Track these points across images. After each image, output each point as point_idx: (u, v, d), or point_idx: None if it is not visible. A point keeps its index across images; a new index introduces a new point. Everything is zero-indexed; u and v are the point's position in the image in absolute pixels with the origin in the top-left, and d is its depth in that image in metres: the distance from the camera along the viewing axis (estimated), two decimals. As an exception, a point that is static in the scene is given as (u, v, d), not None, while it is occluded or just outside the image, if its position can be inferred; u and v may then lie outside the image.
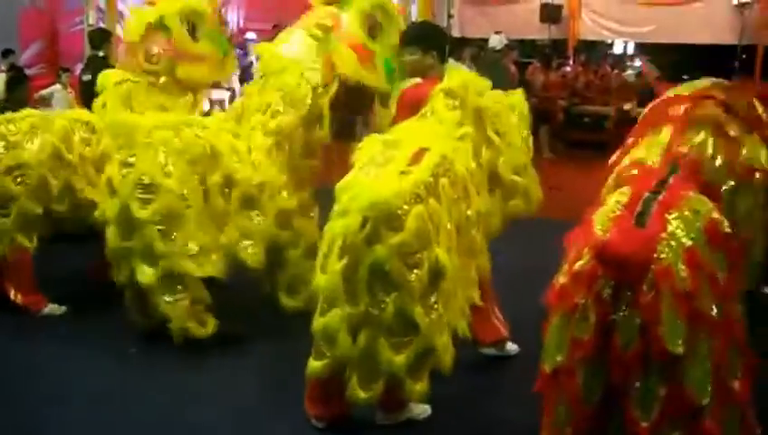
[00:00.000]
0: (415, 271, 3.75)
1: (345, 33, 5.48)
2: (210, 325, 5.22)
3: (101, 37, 9.28)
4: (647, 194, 3.26)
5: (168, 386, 4.73)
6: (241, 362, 5.05)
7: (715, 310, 2.99)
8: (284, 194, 5.50)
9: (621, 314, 2.99)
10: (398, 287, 3.74)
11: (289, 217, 5.53)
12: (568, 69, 16.76)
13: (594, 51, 18.73)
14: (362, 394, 3.87)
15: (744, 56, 19.12)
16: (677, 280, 2.94)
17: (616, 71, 17.28)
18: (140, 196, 5.05)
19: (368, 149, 4.18)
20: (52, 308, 5.78)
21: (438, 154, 3.99)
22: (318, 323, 3.96)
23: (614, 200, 3.34)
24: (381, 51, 5.52)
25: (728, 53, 19.64)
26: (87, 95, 8.92)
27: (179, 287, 5.13)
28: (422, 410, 4.24)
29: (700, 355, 2.95)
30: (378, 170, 3.94)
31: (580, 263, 3.13)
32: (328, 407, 4.12)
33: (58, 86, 9.67)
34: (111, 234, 5.15)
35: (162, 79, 6.21)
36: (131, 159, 5.11)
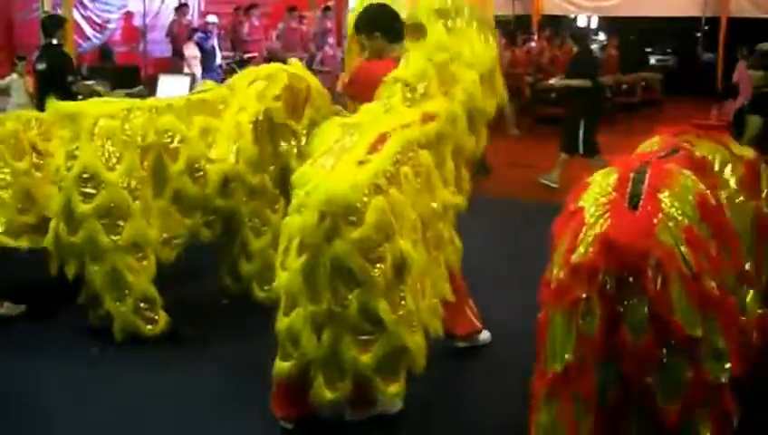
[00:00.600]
0: (378, 265, 3.58)
1: None
2: (161, 323, 5.10)
3: (54, 23, 9.00)
4: (633, 175, 3.17)
5: (128, 386, 4.59)
6: (201, 360, 4.90)
7: (713, 285, 2.94)
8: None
9: (627, 304, 2.87)
10: (360, 283, 3.58)
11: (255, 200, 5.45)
12: (533, 45, 16.71)
13: (558, 26, 18.67)
14: (328, 394, 3.73)
15: (706, 28, 19.22)
16: (682, 263, 2.87)
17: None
18: (83, 190, 4.93)
19: (327, 134, 4.04)
20: (9, 308, 5.60)
21: (400, 140, 3.84)
22: (282, 323, 3.83)
23: (601, 182, 3.23)
24: None
25: (692, 25, 19.73)
26: (42, 85, 8.73)
27: (125, 284, 5.02)
28: (392, 404, 4.10)
29: (713, 334, 2.90)
30: (335, 161, 3.77)
31: (578, 255, 2.99)
32: (296, 407, 3.97)
33: (14, 75, 9.40)
34: (57, 228, 5.04)
35: None
36: (76, 152, 4.99)
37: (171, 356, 4.94)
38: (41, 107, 7.47)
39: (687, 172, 3.21)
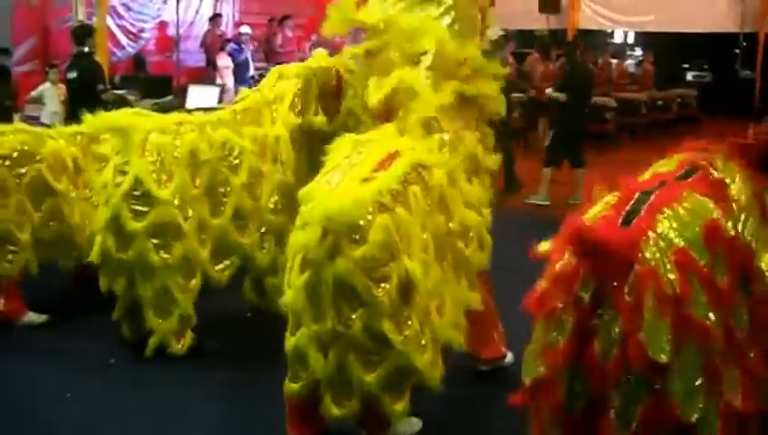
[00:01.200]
0: (382, 285, 3.48)
1: None
2: (188, 340, 5.04)
3: (84, 32, 9.05)
4: (638, 194, 3.05)
5: (145, 399, 4.56)
6: (222, 375, 4.86)
7: (712, 317, 2.77)
8: None
9: (601, 319, 2.78)
10: (364, 303, 3.48)
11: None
12: (566, 59, 16.55)
13: (594, 41, 18.49)
14: (336, 411, 3.66)
15: (744, 44, 18.94)
16: (664, 282, 2.72)
17: (616, 60, 17.07)
18: (134, 206, 4.84)
19: (338, 150, 3.95)
20: (32, 317, 5.58)
21: (410, 159, 3.75)
22: (289, 342, 3.77)
23: (604, 201, 3.14)
24: None
25: (730, 41, 19.46)
26: (73, 93, 8.78)
27: (172, 302, 4.95)
28: (411, 424, 4.01)
29: (688, 366, 2.72)
30: (341, 177, 3.69)
31: (561, 263, 2.93)
32: (308, 426, 3.90)
33: (47, 84, 9.47)
34: (105, 244, 4.96)
35: None
36: (126, 167, 4.88)
37: (191, 370, 4.90)
38: (73, 115, 7.52)
39: (702, 198, 3.05)
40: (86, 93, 8.32)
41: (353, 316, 3.50)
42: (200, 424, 4.31)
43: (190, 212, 4.93)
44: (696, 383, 2.74)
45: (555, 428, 2.94)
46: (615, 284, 2.76)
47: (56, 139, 5.66)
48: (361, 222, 3.45)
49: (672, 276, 2.74)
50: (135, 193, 4.83)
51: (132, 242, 4.85)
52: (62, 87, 9.40)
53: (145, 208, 4.82)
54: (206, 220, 5.01)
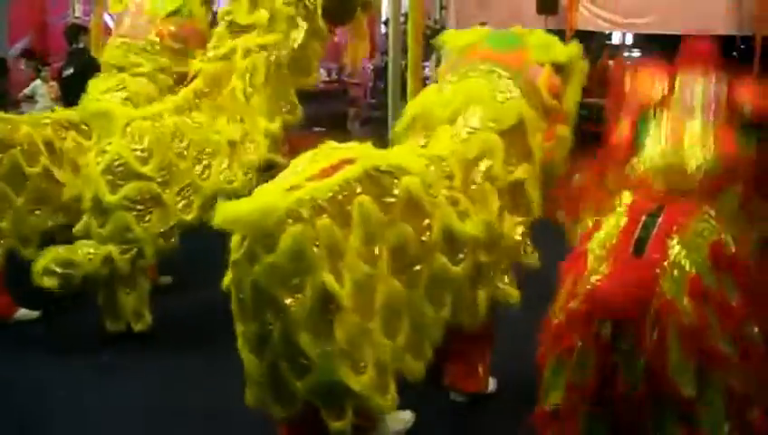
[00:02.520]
0: (296, 295, 3.29)
1: None
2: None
3: (76, 31, 9.06)
4: (645, 218, 3.05)
5: (145, 396, 4.57)
6: (222, 370, 4.77)
7: (729, 344, 2.78)
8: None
9: (623, 355, 2.75)
10: (279, 310, 3.32)
11: None
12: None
13: (592, 42, 18.47)
14: (280, 412, 3.53)
15: (742, 47, 18.96)
16: (682, 315, 2.72)
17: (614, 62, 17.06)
18: (110, 180, 4.97)
19: (307, 156, 3.74)
20: (23, 314, 5.57)
21: (362, 166, 3.54)
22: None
23: (611, 224, 3.12)
24: None
25: (727, 43, 19.43)
26: (69, 90, 8.72)
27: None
28: (402, 418, 3.92)
29: (713, 395, 2.74)
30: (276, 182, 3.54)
31: (575, 302, 2.89)
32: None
33: (38, 82, 9.46)
34: (89, 224, 5.09)
35: None
36: (108, 147, 5.02)
37: (185, 365, 4.93)
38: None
39: (705, 215, 3.07)
40: (83, 89, 8.28)
41: (272, 322, 3.36)
42: (196, 419, 4.31)
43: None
44: (722, 411, 2.76)
45: None
46: (633, 321, 2.74)
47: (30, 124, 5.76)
48: (273, 230, 3.26)
49: (689, 308, 2.74)
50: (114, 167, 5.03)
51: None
52: (54, 85, 9.41)
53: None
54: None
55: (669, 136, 3.55)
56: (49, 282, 4.82)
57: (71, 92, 8.62)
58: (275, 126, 5.55)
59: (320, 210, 3.34)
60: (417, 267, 3.66)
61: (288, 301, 3.29)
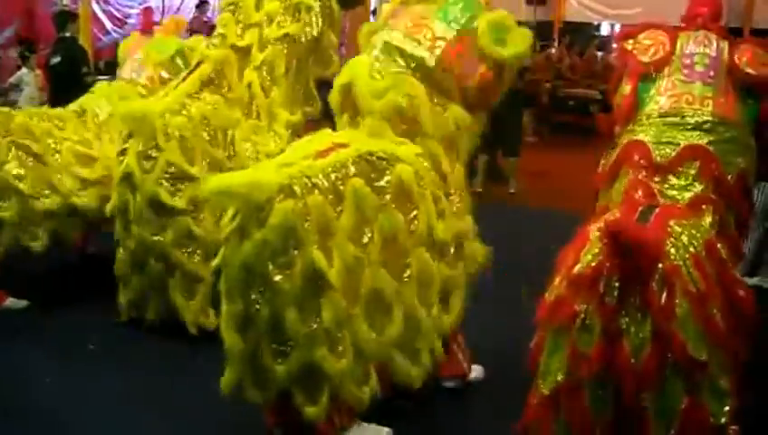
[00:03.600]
0: (285, 271, 3.30)
1: None
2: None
3: (65, 18, 8.97)
4: (641, 208, 3.09)
5: (131, 385, 4.55)
6: (207, 357, 4.79)
7: (720, 318, 2.81)
8: None
9: (629, 317, 2.73)
10: (267, 287, 3.32)
11: None
12: (552, 51, 16.58)
13: (580, 33, 18.50)
14: (256, 396, 3.51)
15: (730, 39, 18.87)
16: (689, 280, 2.74)
17: (602, 53, 17.10)
18: (170, 186, 4.92)
19: (303, 140, 3.81)
20: (12, 302, 5.57)
21: (356, 150, 3.57)
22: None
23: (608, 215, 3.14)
24: None
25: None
26: (56, 78, 8.71)
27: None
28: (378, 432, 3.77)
29: (716, 369, 2.74)
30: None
31: (580, 266, 2.88)
32: (281, 414, 3.65)
33: (25, 70, 9.40)
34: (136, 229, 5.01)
35: None
36: (153, 153, 4.94)
37: (174, 354, 4.91)
38: (54, 100, 7.48)
39: (701, 220, 3.14)
40: (69, 77, 8.27)
41: (260, 301, 3.36)
42: (183, 408, 4.30)
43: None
44: (725, 385, 2.77)
45: None
46: (641, 281, 2.74)
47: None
48: (264, 204, 3.27)
49: (695, 275, 2.77)
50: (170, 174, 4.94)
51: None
52: (40, 74, 9.36)
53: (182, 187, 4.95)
54: None
55: (669, 97, 3.66)
56: None
57: (57, 81, 8.64)
58: (297, 118, 5.48)
59: (312, 188, 3.37)
60: (407, 260, 3.66)
61: (277, 278, 3.29)
